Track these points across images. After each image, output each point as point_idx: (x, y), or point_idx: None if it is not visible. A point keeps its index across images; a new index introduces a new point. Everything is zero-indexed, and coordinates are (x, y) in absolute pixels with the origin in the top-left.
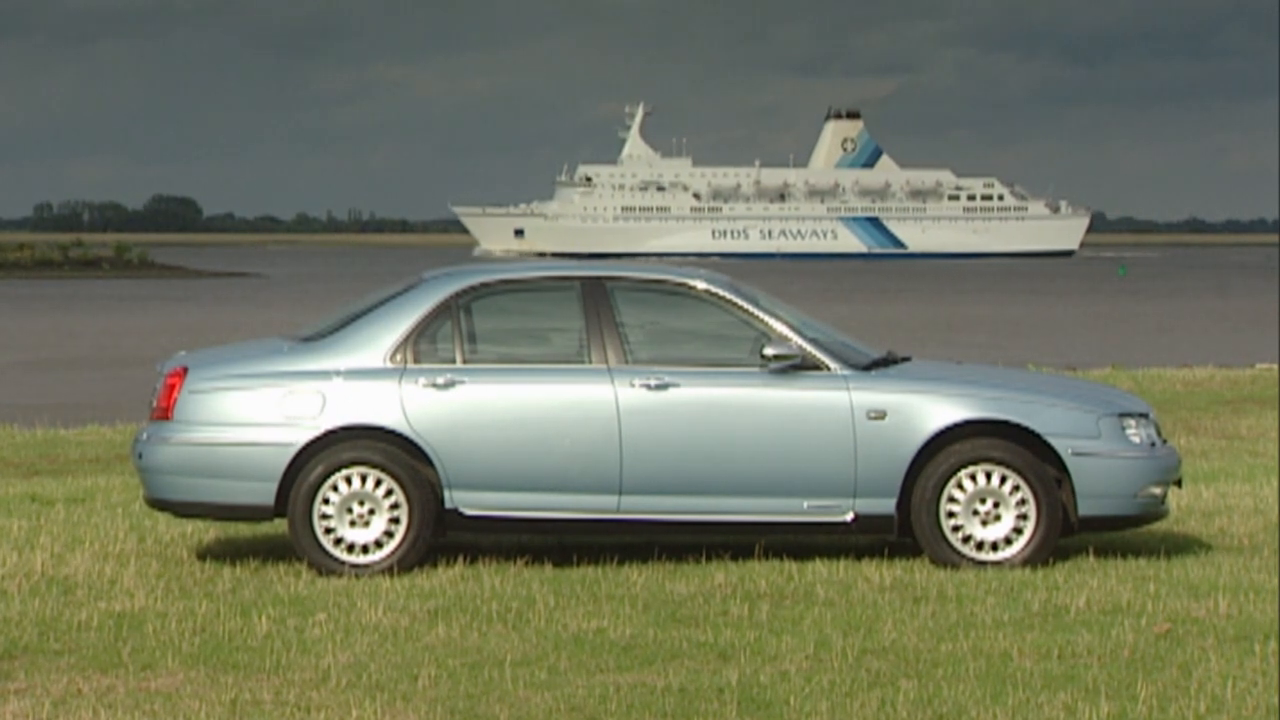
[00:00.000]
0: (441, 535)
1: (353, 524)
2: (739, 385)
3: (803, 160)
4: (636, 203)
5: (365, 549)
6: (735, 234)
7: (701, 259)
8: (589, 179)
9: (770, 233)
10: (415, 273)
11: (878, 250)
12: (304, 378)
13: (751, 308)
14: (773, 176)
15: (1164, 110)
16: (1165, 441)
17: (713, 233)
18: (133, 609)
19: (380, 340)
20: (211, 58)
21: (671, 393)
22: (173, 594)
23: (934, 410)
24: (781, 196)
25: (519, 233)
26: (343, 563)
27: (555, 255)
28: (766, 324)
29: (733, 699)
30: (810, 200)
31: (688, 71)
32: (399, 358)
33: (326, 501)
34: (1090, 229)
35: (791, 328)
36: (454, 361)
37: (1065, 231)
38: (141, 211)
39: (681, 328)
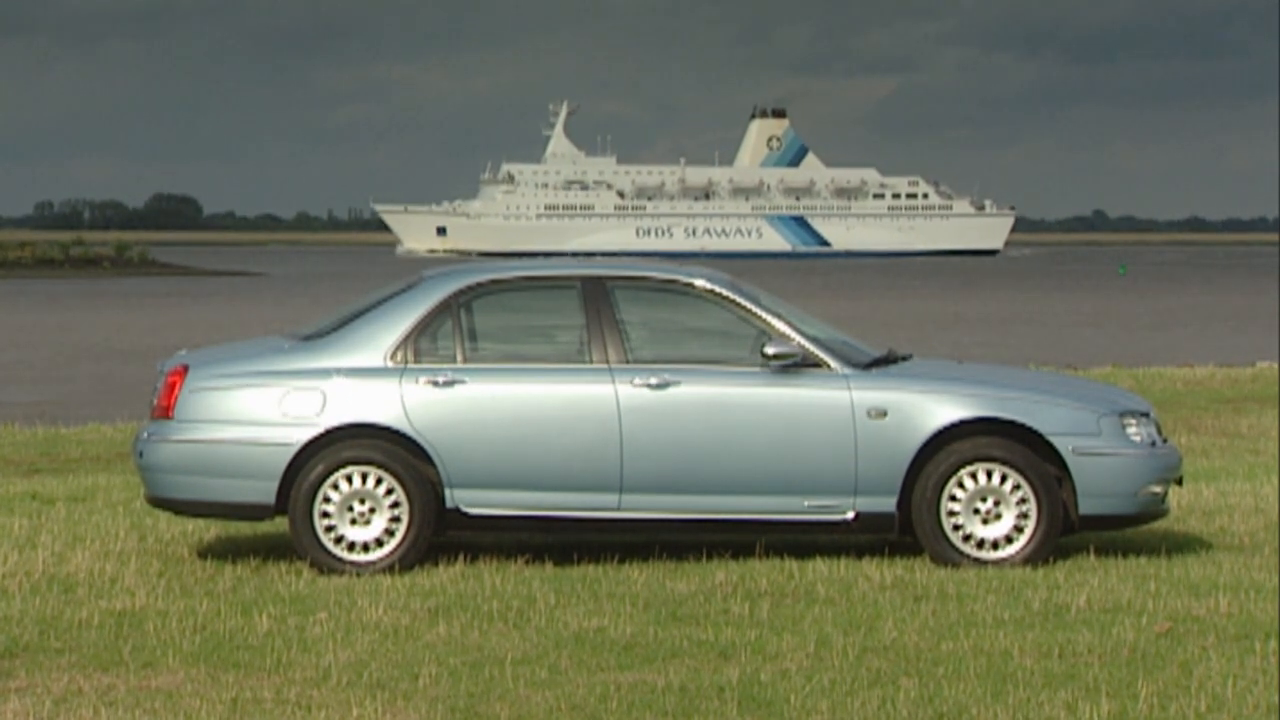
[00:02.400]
0: (442, 534)
1: (353, 522)
2: (740, 384)
3: (728, 159)
4: (560, 201)
5: (366, 547)
6: (659, 232)
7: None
8: (511, 177)
9: (695, 231)
10: (414, 272)
11: (802, 249)
12: (305, 376)
13: (752, 306)
14: (697, 175)
15: (1164, 110)
16: (1166, 440)
17: (637, 231)
18: (133, 607)
19: (381, 339)
20: (212, 56)
21: (672, 391)
22: (173, 592)
23: (935, 409)
24: (706, 195)
25: (441, 231)
26: (343, 561)
27: (478, 254)
28: (767, 322)
29: (733, 697)
30: (735, 199)
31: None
32: (399, 356)
33: (327, 500)
34: (1092, 228)
35: (792, 326)
36: (454, 360)
37: (990, 230)
38: (142, 210)
39: (682, 326)
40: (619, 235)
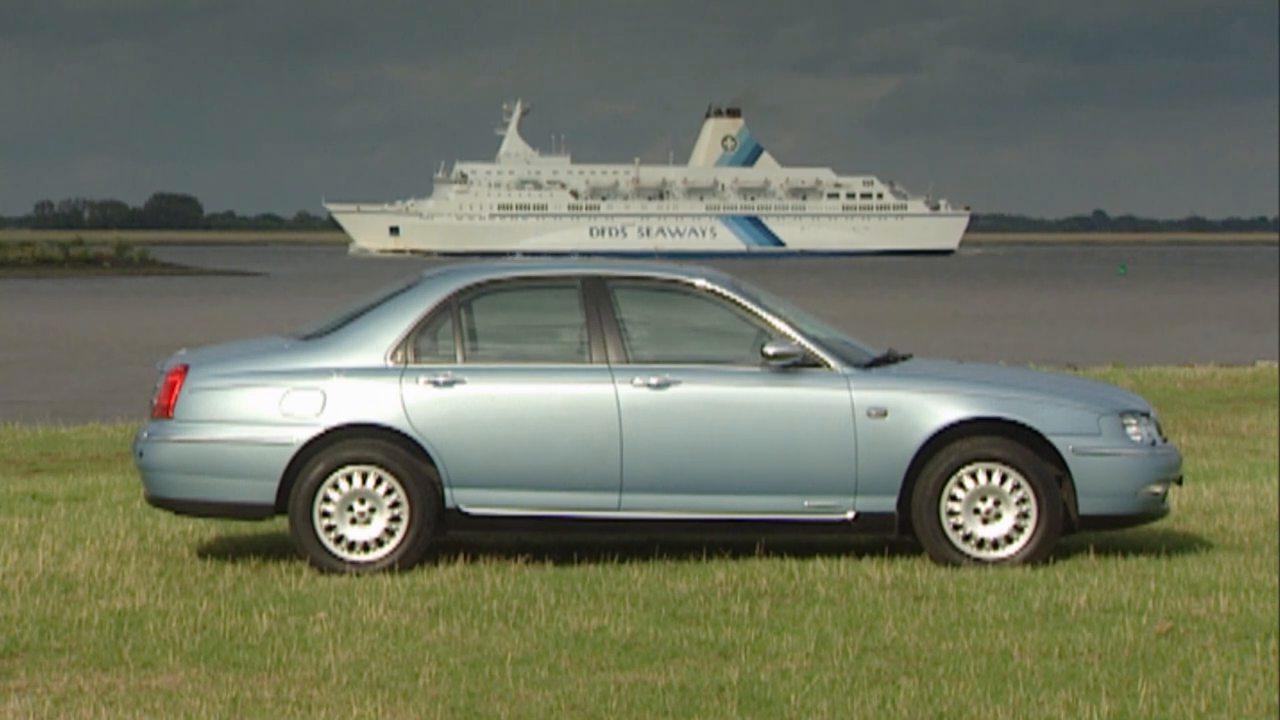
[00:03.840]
0: (442, 533)
1: (353, 522)
2: (740, 384)
3: (683, 158)
4: (513, 200)
5: (366, 547)
6: (613, 232)
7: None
8: (465, 176)
9: (649, 231)
10: (415, 271)
11: (756, 249)
12: (305, 376)
13: (752, 306)
14: (652, 174)
15: (1164, 110)
16: (1166, 440)
17: (590, 230)
18: (133, 607)
19: (381, 338)
20: (212, 56)
21: (672, 391)
22: (173, 592)
23: (935, 409)
24: (660, 194)
25: (394, 230)
26: (343, 561)
27: (432, 254)
28: (767, 322)
29: (733, 697)
30: (689, 198)
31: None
32: (399, 356)
33: (327, 500)
34: (1092, 228)
35: (792, 326)
36: (454, 360)
37: (945, 230)
38: (142, 210)
39: (682, 326)
40: (572, 235)
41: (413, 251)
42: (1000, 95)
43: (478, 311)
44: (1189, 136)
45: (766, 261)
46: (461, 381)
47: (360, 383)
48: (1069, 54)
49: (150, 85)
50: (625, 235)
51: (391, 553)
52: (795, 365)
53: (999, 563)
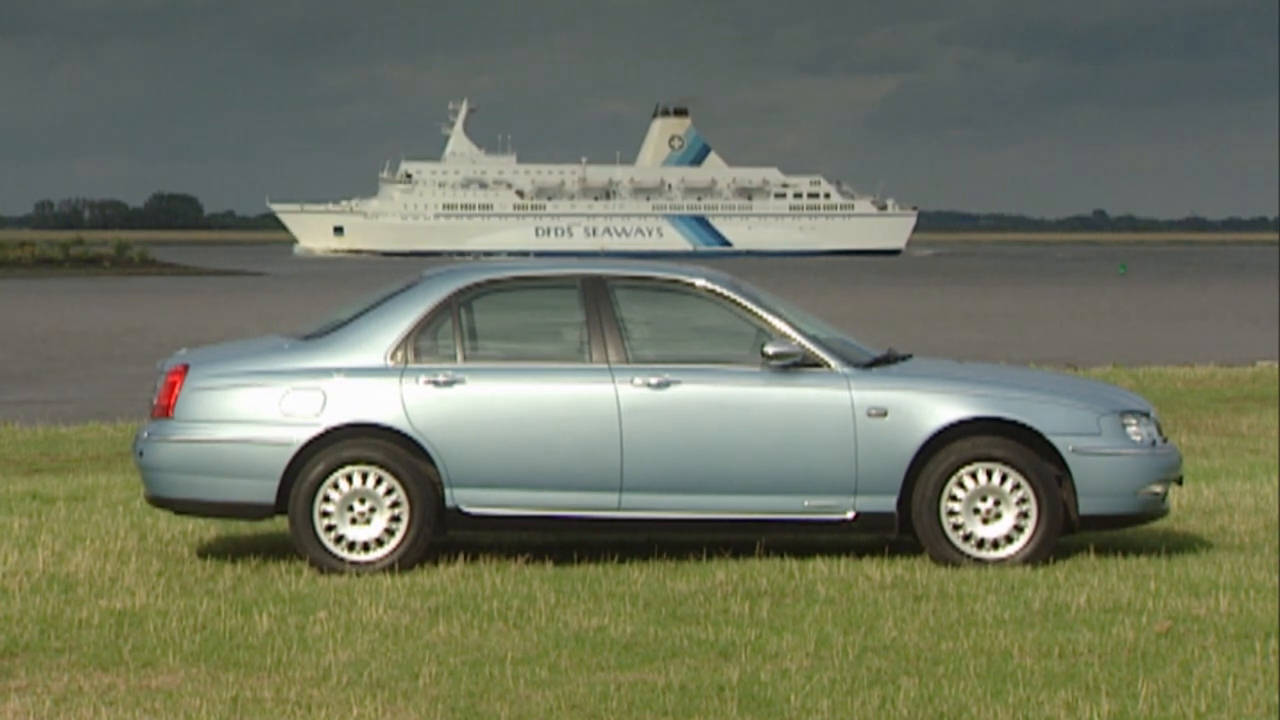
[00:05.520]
0: (442, 533)
1: (353, 522)
2: (740, 383)
3: (630, 158)
4: (458, 200)
5: (366, 547)
6: (559, 232)
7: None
8: (409, 176)
9: (595, 230)
10: (415, 271)
11: (703, 248)
12: (305, 376)
13: (752, 305)
14: (598, 174)
15: (1164, 110)
16: (1166, 440)
17: (536, 230)
18: (133, 607)
19: (381, 338)
20: (213, 55)
21: (672, 391)
22: (174, 592)
23: (935, 408)
24: (607, 194)
25: (338, 230)
26: (343, 561)
27: (377, 254)
28: (767, 322)
29: (733, 697)
30: (636, 198)
31: (691, 71)
32: (399, 356)
33: (327, 499)
34: (1092, 228)
35: (792, 326)
36: (454, 359)
37: (892, 230)
38: (142, 209)
39: (682, 326)
40: (518, 235)
41: (357, 252)
42: (1000, 95)
43: (478, 311)
44: (1189, 136)
45: (714, 262)
46: (461, 381)
47: (360, 382)
48: (1069, 54)
49: (150, 85)
50: (571, 235)
51: (391, 552)
52: (795, 365)
53: (999, 562)
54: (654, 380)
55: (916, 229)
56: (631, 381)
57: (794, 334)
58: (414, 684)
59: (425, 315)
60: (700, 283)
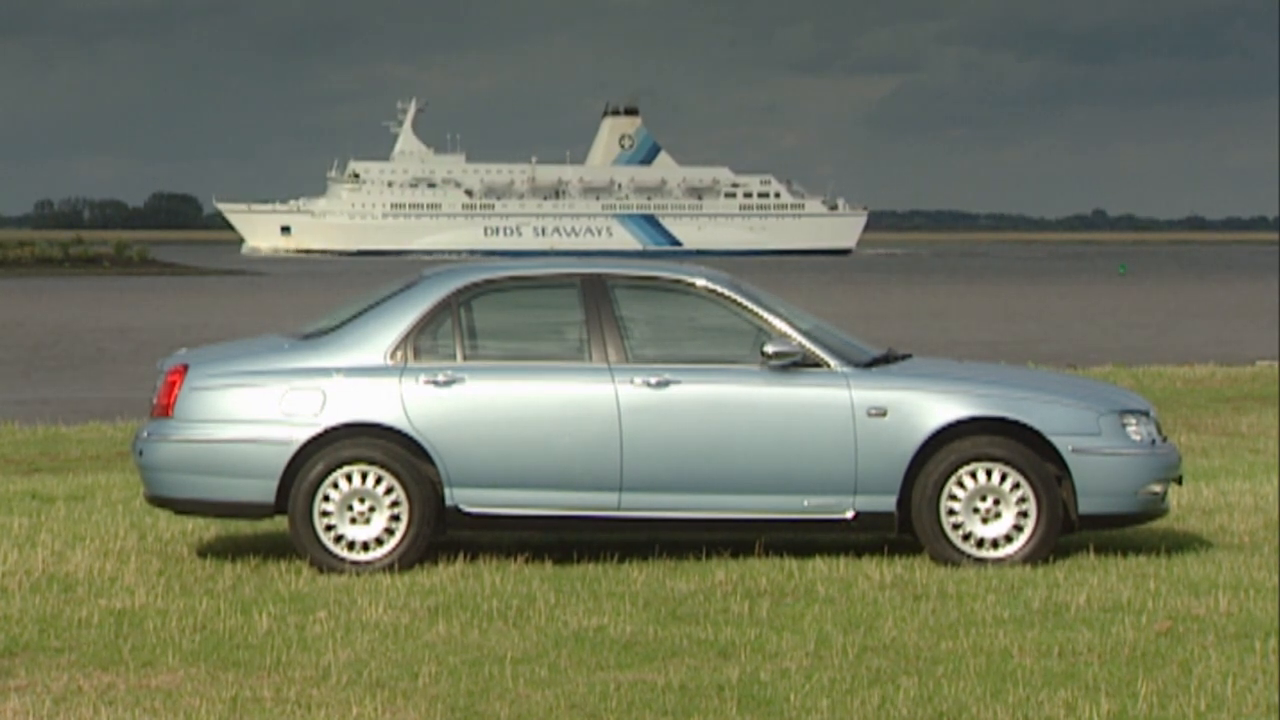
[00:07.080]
0: (442, 533)
1: (353, 521)
2: (739, 383)
3: (579, 157)
4: (406, 199)
5: (366, 546)
6: (508, 231)
7: (471, 256)
8: (357, 175)
9: (544, 230)
10: (414, 271)
11: (653, 248)
12: (304, 375)
13: (752, 305)
14: (548, 173)
15: (1164, 110)
16: (1166, 439)
17: (485, 230)
18: (133, 606)
19: (380, 338)
20: (213, 55)
21: (672, 390)
22: (173, 591)
23: (934, 408)
24: (557, 194)
25: (285, 230)
26: (343, 560)
27: (323, 253)
28: (767, 321)
29: (733, 696)
30: (585, 197)
31: (690, 70)
32: (399, 355)
33: (327, 499)
34: (1092, 228)
35: (792, 325)
36: (454, 359)
37: (843, 229)
38: (142, 209)
39: (682, 325)
40: (466, 234)
41: (305, 251)
42: (1000, 95)
43: (477, 311)
44: (1189, 136)
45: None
46: (461, 381)
47: (360, 382)
48: (1069, 54)
49: (150, 84)
50: (520, 235)
51: (391, 552)
52: (795, 364)
53: (999, 562)
54: (654, 380)
55: (910, 229)
56: (631, 381)
57: (793, 333)
58: (414, 683)
59: (425, 315)
60: (700, 282)
